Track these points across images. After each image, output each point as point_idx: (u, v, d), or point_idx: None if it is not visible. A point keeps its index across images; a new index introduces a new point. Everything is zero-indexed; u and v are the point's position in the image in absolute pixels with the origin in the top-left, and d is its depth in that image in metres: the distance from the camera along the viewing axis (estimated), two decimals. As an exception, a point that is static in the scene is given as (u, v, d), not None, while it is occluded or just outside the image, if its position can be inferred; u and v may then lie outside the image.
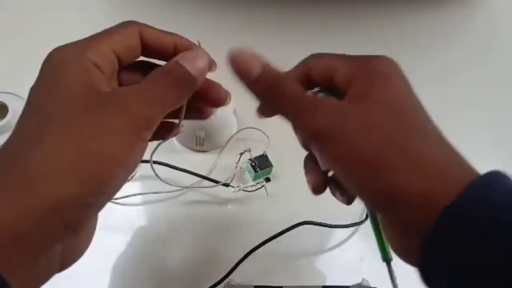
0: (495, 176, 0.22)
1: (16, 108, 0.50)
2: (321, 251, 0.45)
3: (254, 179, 0.48)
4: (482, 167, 0.26)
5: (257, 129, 0.51)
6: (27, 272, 0.20)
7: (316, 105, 0.25)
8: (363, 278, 0.41)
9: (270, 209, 0.48)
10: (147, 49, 0.27)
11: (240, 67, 0.26)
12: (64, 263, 0.23)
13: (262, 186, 0.47)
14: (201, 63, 0.25)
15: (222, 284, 0.40)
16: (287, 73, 0.28)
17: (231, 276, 0.40)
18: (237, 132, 0.52)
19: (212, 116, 0.48)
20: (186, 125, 0.49)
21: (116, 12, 0.69)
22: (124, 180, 0.23)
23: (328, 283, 0.41)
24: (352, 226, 0.45)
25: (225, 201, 0.48)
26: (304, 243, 0.45)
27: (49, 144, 0.21)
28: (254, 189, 0.47)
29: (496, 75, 0.67)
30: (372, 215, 0.28)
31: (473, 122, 0.59)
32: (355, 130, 0.23)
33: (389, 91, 0.25)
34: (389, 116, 0.24)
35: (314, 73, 0.28)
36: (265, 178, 0.49)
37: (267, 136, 0.51)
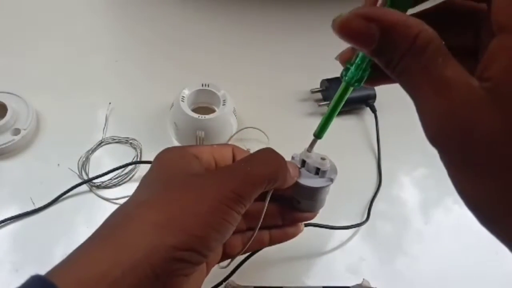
0: None
1: (15, 108, 0.49)
2: (322, 252, 0.45)
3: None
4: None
5: (257, 129, 0.51)
6: None
7: (445, 93, 0.17)
8: (363, 279, 0.41)
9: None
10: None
11: (354, 35, 0.20)
12: None
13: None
14: (294, 172, 0.31)
15: (223, 286, 0.39)
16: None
17: (232, 278, 0.40)
18: (237, 132, 0.52)
19: (211, 115, 0.48)
20: (186, 125, 0.49)
21: (116, 12, 0.69)
22: (216, 245, 0.25)
23: (328, 284, 0.41)
24: (352, 228, 0.45)
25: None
26: (305, 244, 0.44)
27: (153, 205, 0.25)
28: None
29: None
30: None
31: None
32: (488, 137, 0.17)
33: None
34: None
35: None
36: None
37: (267, 136, 0.51)
